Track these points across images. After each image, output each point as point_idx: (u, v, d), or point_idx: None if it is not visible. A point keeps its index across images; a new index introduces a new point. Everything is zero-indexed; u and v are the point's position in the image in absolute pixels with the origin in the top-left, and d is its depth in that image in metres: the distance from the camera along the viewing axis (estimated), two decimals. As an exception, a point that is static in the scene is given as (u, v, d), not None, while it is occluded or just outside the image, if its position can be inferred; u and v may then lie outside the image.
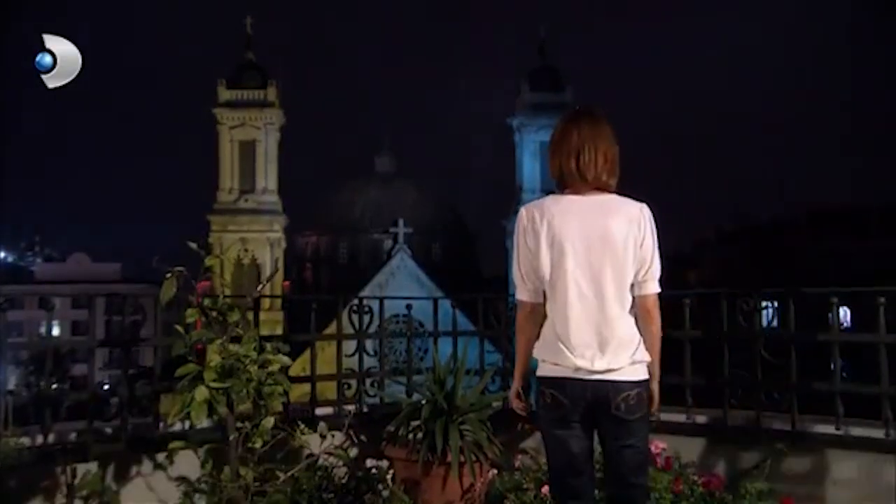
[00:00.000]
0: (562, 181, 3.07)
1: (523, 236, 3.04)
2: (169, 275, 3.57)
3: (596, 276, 2.94)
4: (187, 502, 3.76)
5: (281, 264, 47.03)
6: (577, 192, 3.02)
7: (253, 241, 46.16)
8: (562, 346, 2.96)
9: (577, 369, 2.93)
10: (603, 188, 3.03)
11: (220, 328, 3.65)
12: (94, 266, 61.93)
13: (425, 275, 45.00)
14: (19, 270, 72.13)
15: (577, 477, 3.01)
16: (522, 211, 3.07)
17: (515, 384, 3.21)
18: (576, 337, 2.94)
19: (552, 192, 3.14)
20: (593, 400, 2.93)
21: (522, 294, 3.08)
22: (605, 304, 2.94)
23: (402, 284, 43.12)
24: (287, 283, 51.11)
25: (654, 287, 3.04)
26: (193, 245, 3.69)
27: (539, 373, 3.06)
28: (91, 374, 4.25)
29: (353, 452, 4.91)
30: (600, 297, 2.94)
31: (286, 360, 3.74)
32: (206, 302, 3.66)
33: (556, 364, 2.98)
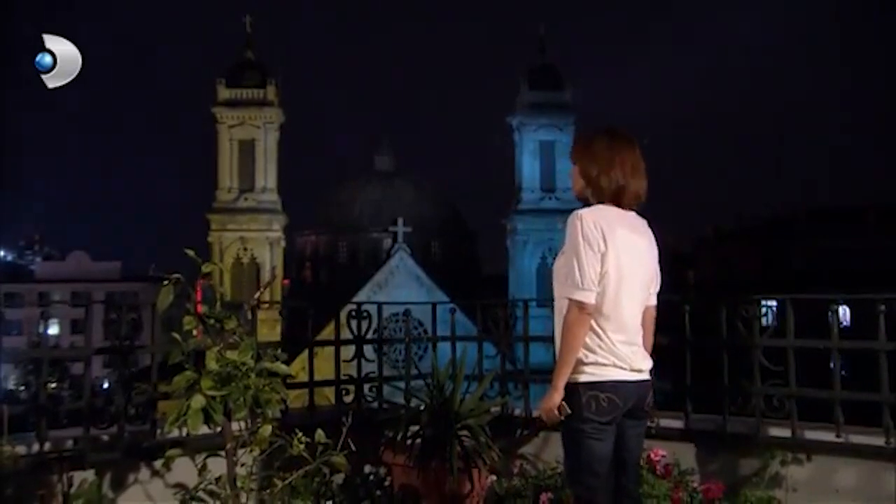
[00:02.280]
0: (601, 194, 3.23)
1: (592, 243, 3.11)
2: (166, 282, 3.55)
3: (636, 286, 3.22)
4: (184, 510, 3.73)
5: (280, 263, 47.00)
6: (618, 206, 3.23)
7: (252, 240, 46.11)
8: (620, 350, 3.15)
9: (633, 371, 3.17)
10: (633, 207, 3.28)
11: (218, 336, 3.63)
12: (93, 264, 61.93)
13: (425, 274, 44.99)
14: (19, 269, 72.17)
15: (606, 473, 3.18)
16: (587, 217, 3.15)
17: (559, 394, 3.09)
18: (630, 341, 3.19)
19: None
20: (638, 398, 3.20)
21: (590, 297, 3.10)
22: (639, 313, 3.25)
23: (401, 283, 43.14)
24: (287, 281, 51.13)
25: (655, 299, 3.37)
26: (191, 252, 3.67)
27: (588, 378, 3.11)
28: (88, 382, 4.22)
29: (352, 459, 4.89)
30: (638, 306, 3.24)
31: (284, 368, 3.71)
32: (204, 309, 3.64)
33: (616, 367, 3.14)
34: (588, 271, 3.09)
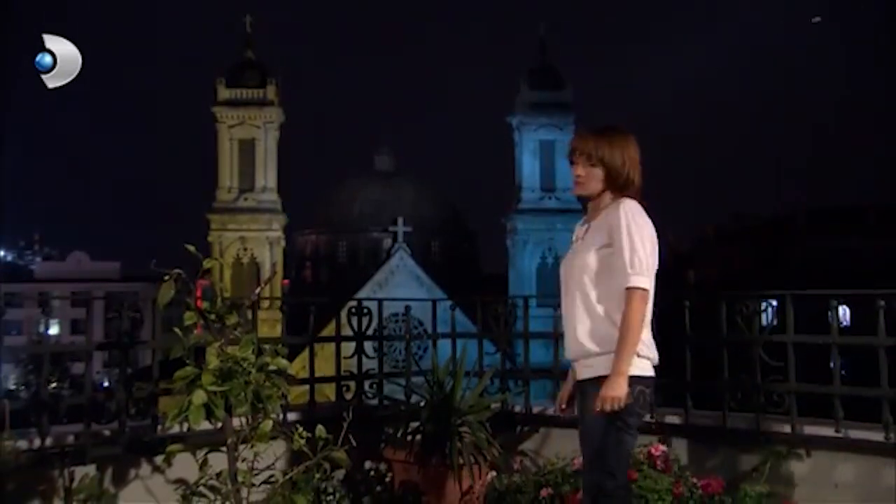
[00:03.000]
0: (627, 189, 3.19)
1: (649, 232, 3.11)
2: (167, 277, 3.56)
3: None
4: (185, 505, 3.74)
5: (280, 263, 47.02)
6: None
7: (252, 239, 46.15)
8: (653, 344, 3.17)
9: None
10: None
11: (218, 331, 3.64)
12: (93, 264, 62.01)
13: (425, 273, 45.01)
14: (19, 269, 72.22)
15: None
16: (638, 207, 3.13)
17: (626, 381, 2.99)
18: None
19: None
20: None
21: (651, 285, 3.07)
22: None
23: (401, 283, 43.15)
24: (286, 281, 51.12)
25: None
26: (191, 248, 3.67)
27: (639, 371, 3.07)
28: (89, 377, 4.23)
29: (352, 455, 4.90)
30: None
31: (284, 363, 3.72)
32: (205, 305, 3.65)
33: (652, 363, 3.15)
34: (649, 260, 3.06)
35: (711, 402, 4.72)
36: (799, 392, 4.42)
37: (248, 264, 45.36)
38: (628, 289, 3.03)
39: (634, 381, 3.04)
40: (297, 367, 4.52)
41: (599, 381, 3.04)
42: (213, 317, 3.64)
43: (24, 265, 76.03)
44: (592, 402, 3.05)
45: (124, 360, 4.27)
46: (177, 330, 3.63)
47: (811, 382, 4.46)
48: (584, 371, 3.17)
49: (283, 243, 48.06)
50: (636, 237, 3.05)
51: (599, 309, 3.10)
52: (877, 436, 4.17)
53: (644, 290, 3.03)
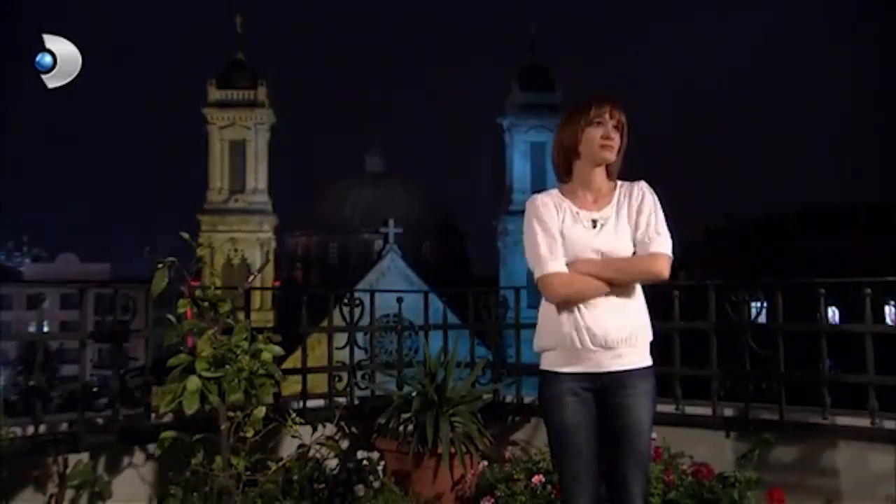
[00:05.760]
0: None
1: None
2: (161, 265, 3.58)
3: None
4: (178, 492, 3.76)
5: (271, 264, 46.96)
6: None
7: (243, 240, 46.10)
8: None
9: None
10: None
11: (212, 319, 3.66)
12: (82, 266, 61.90)
13: (415, 274, 45.01)
14: (7, 271, 71.96)
15: None
16: None
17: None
18: None
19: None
20: None
21: None
22: None
23: (392, 284, 43.10)
24: (277, 282, 51.04)
25: None
26: (185, 235, 3.70)
27: None
28: (82, 365, 4.24)
29: (344, 444, 4.93)
30: None
31: (278, 349, 3.75)
32: (198, 293, 3.67)
33: None
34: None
35: (701, 391, 4.77)
36: (787, 381, 4.47)
37: (238, 265, 45.26)
38: (660, 253, 2.86)
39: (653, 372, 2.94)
40: (290, 364, 4.53)
41: (646, 371, 2.90)
42: (206, 304, 3.67)
43: (13, 267, 75.76)
44: (638, 397, 2.85)
45: (118, 350, 4.28)
46: (170, 317, 3.65)
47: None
48: (629, 360, 2.88)
49: (273, 244, 48.02)
50: (663, 220, 2.93)
51: (640, 296, 2.94)
52: (863, 422, 4.22)
53: (671, 258, 2.88)
